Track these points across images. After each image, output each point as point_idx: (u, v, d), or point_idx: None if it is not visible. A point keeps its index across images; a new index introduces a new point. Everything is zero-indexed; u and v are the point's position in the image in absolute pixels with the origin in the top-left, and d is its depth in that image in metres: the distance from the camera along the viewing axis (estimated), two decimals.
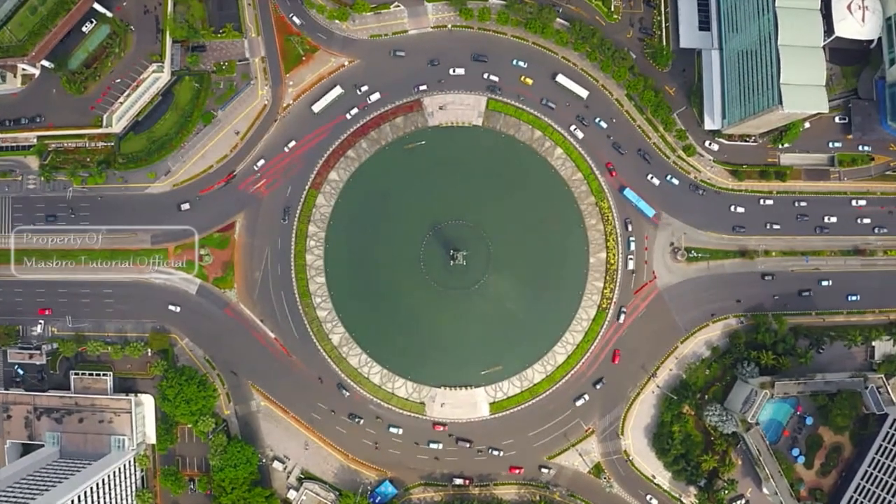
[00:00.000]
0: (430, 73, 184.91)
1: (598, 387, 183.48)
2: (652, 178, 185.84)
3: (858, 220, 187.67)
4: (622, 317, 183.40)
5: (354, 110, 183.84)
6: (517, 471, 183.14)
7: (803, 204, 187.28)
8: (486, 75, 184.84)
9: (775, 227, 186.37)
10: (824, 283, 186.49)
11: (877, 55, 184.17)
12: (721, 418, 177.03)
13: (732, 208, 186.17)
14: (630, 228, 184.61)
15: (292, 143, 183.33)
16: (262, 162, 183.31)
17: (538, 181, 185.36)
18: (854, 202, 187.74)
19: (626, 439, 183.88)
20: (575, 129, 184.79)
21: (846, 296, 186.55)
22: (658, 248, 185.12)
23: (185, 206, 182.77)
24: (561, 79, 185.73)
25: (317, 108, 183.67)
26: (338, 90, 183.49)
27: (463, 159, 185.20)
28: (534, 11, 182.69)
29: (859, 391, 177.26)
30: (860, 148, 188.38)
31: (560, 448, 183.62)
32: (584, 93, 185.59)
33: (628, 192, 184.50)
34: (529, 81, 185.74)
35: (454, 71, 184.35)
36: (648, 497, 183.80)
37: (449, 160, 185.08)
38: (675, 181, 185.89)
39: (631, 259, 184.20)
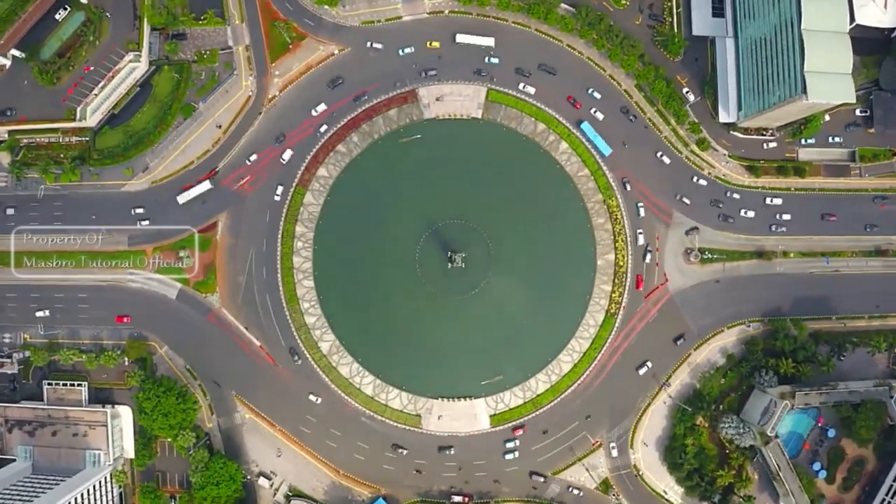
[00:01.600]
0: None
1: (641, 372, 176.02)
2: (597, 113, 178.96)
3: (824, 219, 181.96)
4: (648, 256, 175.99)
5: (324, 128, 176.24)
6: None
7: (777, 201, 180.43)
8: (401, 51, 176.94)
9: (730, 220, 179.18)
10: None
11: None
12: (737, 431, 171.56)
13: (695, 179, 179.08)
14: (642, 214, 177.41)
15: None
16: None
17: (542, 177, 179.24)
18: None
19: (635, 453, 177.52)
20: (525, 87, 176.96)
21: None
22: (670, 249, 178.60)
23: (140, 211, 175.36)
24: (461, 37, 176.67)
25: (182, 199, 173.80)
26: (206, 185, 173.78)
27: (462, 154, 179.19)
28: None
29: (884, 401, 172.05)
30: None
31: (566, 462, 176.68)
32: (489, 41, 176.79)
33: (585, 126, 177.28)
34: (437, 45, 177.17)
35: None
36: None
37: (447, 155, 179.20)
38: (634, 118, 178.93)
39: (640, 241, 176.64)
